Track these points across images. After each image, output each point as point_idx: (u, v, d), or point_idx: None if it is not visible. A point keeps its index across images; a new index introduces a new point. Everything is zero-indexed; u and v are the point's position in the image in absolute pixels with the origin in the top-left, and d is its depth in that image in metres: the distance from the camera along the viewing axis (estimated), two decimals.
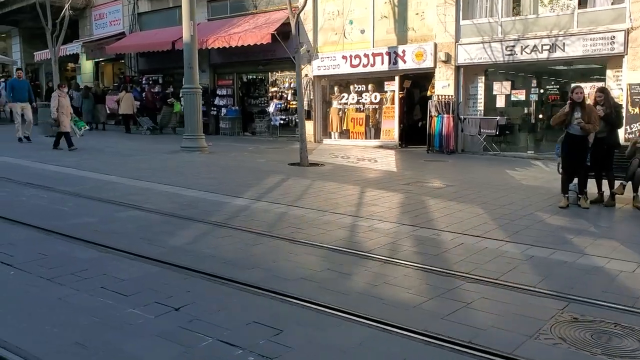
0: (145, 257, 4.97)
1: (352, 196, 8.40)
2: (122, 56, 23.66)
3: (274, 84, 18.66)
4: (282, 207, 7.46)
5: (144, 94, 21.10)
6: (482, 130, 14.31)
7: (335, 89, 17.43)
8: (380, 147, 16.13)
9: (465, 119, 14.61)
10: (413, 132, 16.49)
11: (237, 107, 19.84)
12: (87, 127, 15.96)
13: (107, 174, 9.97)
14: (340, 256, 5.27)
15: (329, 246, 5.55)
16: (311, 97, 17.38)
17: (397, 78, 15.95)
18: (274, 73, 18.84)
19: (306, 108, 17.39)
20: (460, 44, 14.50)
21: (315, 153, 14.68)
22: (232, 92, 20.06)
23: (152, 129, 20.33)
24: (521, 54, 13.52)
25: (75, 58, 25.85)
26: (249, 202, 7.77)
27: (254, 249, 5.46)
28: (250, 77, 20.53)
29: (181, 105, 21.09)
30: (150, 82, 22.30)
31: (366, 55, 16.03)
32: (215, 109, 20.24)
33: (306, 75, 17.40)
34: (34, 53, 24.99)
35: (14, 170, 10.32)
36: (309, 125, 17.64)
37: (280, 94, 18.45)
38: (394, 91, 16.14)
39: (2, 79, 22.90)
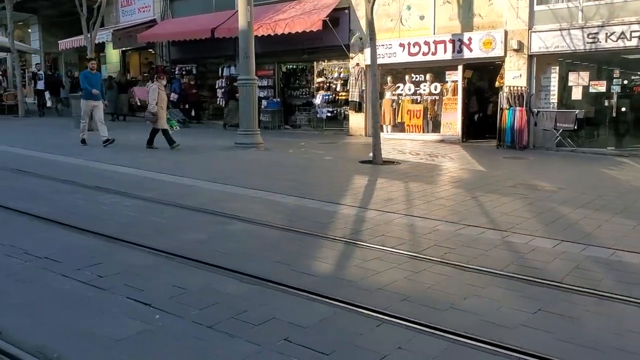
0: (320, 295, 3.99)
1: (467, 202, 7.42)
2: (151, 45, 22.63)
3: (320, 73, 17.61)
4: (400, 217, 6.49)
5: (182, 86, 20.09)
6: (558, 124, 13.29)
7: (389, 79, 16.38)
8: (441, 141, 15.13)
9: (539, 112, 13.58)
10: (470, 125, 15.52)
11: (278, 99, 18.81)
12: (178, 127, 14.75)
13: (178, 175, 9.02)
14: (536, 289, 4.29)
15: (508, 274, 4.59)
16: (363, 88, 16.35)
17: (460, 67, 14.91)
18: (320, 62, 17.79)
19: (357, 99, 16.44)
20: (534, 31, 13.44)
21: (369, 148, 13.67)
22: (273, 83, 19.02)
23: (183, 122, 19.32)
24: (606, 41, 12.45)
25: (100, 47, 24.84)
26: (355, 211, 6.81)
27: (422, 277, 4.49)
28: (291, 67, 19.50)
29: (219, 98, 20.20)
30: (184, 73, 21.31)
31: (427, 43, 14.98)
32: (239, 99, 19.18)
33: (357, 64, 16.41)
34: (59, 42, 23.96)
35: (75, 171, 9.37)
36: (359, 118, 16.69)
37: (327, 84, 17.41)
38: (455, 81, 15.11)
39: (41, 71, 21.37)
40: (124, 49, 24.54)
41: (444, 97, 15.42)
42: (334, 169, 10.20)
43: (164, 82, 13.54)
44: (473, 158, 12.07)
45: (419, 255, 5.01)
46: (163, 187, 8.10)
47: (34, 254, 4.80)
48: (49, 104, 19.40)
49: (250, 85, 12.89)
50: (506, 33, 13.77)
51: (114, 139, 12.77)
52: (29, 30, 31.50)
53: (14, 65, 34.99)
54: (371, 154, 11.15)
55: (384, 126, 16.60)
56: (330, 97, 17.29)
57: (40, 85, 21.04)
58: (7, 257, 4.70)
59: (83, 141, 12.97)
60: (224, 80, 19.98)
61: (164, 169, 9.62)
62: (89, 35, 17.24)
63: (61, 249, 4.97)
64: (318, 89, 17.59)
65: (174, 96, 19.67)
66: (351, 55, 16.50)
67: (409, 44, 15.32)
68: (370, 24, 11.28)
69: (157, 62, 23.02)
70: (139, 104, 22.64)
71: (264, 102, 18.87)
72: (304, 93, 18.75)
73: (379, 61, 16.07)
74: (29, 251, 4.86)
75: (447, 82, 15.31)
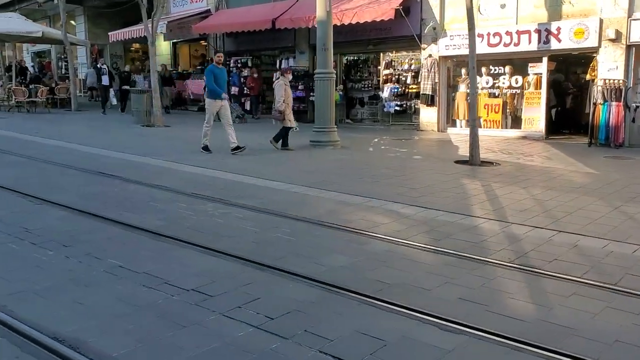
0: (545, 350, 3.22)
1: (613, 214, 6.54)
2: (203, 37, 22.03)
3: (388, 65, 16.74)
4: (554, 233, 5.68)
5: (245, 79, 19.50)
6: None
7: (463, 71, 15.44)
8: (523, 138, 14.18)
9: (637, 107, 12.54)
10: (549, 121, 14.54)
11: (341, 92, 18.00)
12: (237, 121, 14.10)
13: (265, 179, 8.33)
14: None
15: None
16: (436, 81, 15.46)
17: (545, 59, 13.91)
18: (387, 54, 16.92)
19: (429, 92, 15.57)
20: (634, 19, 12.37)
21: (451, 145, 12.86)
22: (336, 76, 18.18)
23: (241, 117, 18.66)
24: None
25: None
26: (497, 225, 6.02)
27: None
28: (352, 58, 18.69)
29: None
30: (239, 65, 20.66)
31: (508, 33, 14.01)
32: (314, 94, 18.43)
33: (430, 55, 15.52)
34: (109, 33, 23.47)
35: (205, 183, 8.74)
36: (431, 112, 15.83)
37: (396, 77, 16.54)
38: (538, 74, 14.12)
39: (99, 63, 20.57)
40: (174, 40, 24.02)
41: (525, 91, 14.45)
42: (432, 171, 9.39)
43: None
44: (572, 157, 11.12)
45: (623, 290, 4.20)
46: (261, 193, 7.40)
47: (177, 284, 4.14)
48: (114, 101, 18.40)
49: (327, 79, 12.15)
50: (601, 21, 12.72)
51: (244, 146, 10.96)
52: (72, 22, 31.18)
53: (57, 57, 35.13)
54: (466, 153, 10.32)
55: (457, 121, 15.75)
56: (400, 90, 16.42)
57: (105, 80, 19.95)
58: (149, 290, 4.04)
59: (206, 148, 10.97)
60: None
61: (265, 174, 8.93)
62: (149, 26, 16.57)
63: (204, 277, 4.29)
64: (386, 82, 16.74)
65: (234, 89, 19.05)
66: (423, 46, 15.61)
67: (488, 34, 14.36)
68: (469, 12, 10.38)
69: (210, 54, 22.41)
70: (191, 97, 22.16)
71: None
72: (366, 86, 17.95)
73: (454, 52, 15.24)
74: (171, 281, 4.19)
75: (529, 74, 14.33)
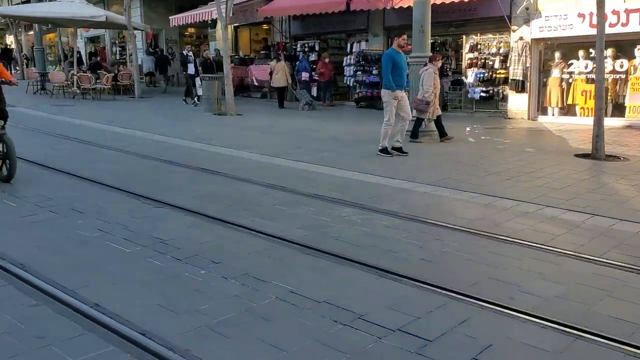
0: None
1: None
2: (267, 20, 21.31)
3: (473, 48, 15.69)
4: None
5: (313, 64, 18.76)
6: None
7: (556, 54, 14.33)
8: (627, 127, 13.03)
9: None
10: None
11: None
12: (306, 109, 13.23)
13: (409, 181, 7.56)
14: None
15: None
16: (527, 65, 14.38)
17: None
18: (472, 36, 15.87)
19: (519, 78, 14.51)
20: None
21: (553, 136, 11.86)
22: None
23: (310, 104, 17.91)
24: None
25: (203, 24, 23.78)
26: None
27: None
28: (430, 41, 17.64)
29: (347, 77, 18.67)
30: (306, 50, 19.88)
31: (615, 12, 12.81)
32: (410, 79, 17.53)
33: (521, 38, 14.44)
34: (170, 17, 22.97)
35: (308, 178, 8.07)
36: (521, 99, 14.79)
37: (482, 61, 15.50)
38: None
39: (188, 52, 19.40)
40: (236, 24, 23.37)
41: (630, 76, 13.26)
42: (558, 167, 8.46)
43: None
44: None
45: None
46: (389, 194, 6.65)
47: (372, 318, 3.42)
48: (199, 92, 17.02)
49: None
50: None
51: (407, 152, 9.40)
52: (131, 6, 30.83)
53: (111, 43, 34.98)
54: (578, 145, 9.36)
55: (549, 109, 14.66)
56: (485, 75, 15.38)
57: (191, 69, 18.37)
58: (346, 329, 3.33)
59: (384, 150, 9.30)
60: (353, 57, 18.42)
61: (402, 174, 8.19)
62: (222, 8, 15.90)
63: (400, 309, 3.56)
64: (470, 66, 15.71)
65: (305, 75, 18.30)
66: (513, 27, 14.53)
67: (590, 14, 13.17)
68: None
69: (274, 38, 21.72)
70: (256, 83, 21.53)
71: None
72: (446, 71, 16.93)
73: (550, 34, 14.11)
74: (364, 315, 3.47)
75: (635, 57, 13.13)
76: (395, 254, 4.65)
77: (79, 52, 30.31)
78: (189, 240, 4.92)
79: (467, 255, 4.62)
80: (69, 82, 20.23)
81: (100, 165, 8.26)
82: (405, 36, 9.78)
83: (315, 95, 19.04)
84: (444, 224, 5.45)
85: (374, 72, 17.51)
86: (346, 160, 8.83)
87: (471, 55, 15.71)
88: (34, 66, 37.55)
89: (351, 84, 18.65)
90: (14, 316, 3.44)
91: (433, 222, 5.53)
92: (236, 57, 22.89)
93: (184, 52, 19.49)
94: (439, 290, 3.88)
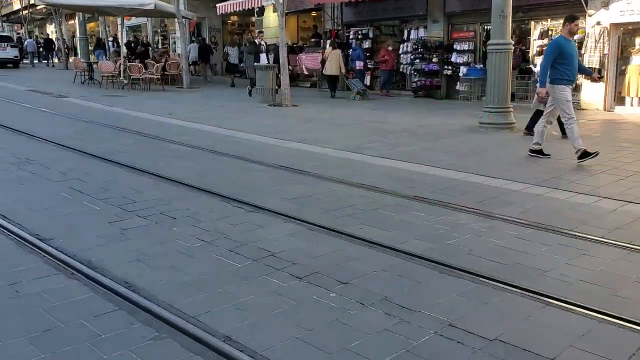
0: None
1: None
2: (318, 7, 20.67)
3: (543, 35, 14.79)
4: None
5: (367, 52, 18.08)
6: None
7: (637, 40, 13.36)
8: None
9: None
10: None
11: (480, 65, 16.25)
12: (357, 99, 12.47)
13: (515, 181, 6.89)
14: None
15: None
16: (605, 52, 13.46)
17: None
18: (542, 22, 14.98)
19: (596, 66, 13.58)
20: None
21: (636, 129, 11.01)
22: (474, 47, 16.45)
23: (362, 93, 17.25)
24: None
25: (257, 10, 23.27)
26: None
27: None
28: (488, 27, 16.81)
29: (404, 65, 17.91)
30: (359, 37, 19.19)
31: None
32: (450, 67, 16.79)
33: (598, 22, 13.52)
34: (217, 5, 22.54)
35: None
36: (597, 89, 13.88)
37: None
38: None
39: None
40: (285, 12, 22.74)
41: None
42: None
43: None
44: None
45: None
46: (501, 196, 5.98)
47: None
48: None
49: (505, 52, 10.52)
50: None
51: (596, 152, 7.68)
52: None
53: (153, 32, 34.77)
54: None
55: (627, 98, 13.73)
56: None
57: (263, 58, 17.22)
58: None
59: (539, 151, 8.17)
60: (410, 45, 17.67)
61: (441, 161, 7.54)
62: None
63: (595, 348, 2.93)
64: (540, 54, 14.78)
65: (359, 64, 17.63)
66: (590, 11, 13.62)
67: None
68: None
69: (324, 26, 21.07)
70: (305, 72, 20.94)
71: (463, 69, 16.45)
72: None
73: (628, 19, 13.16)
74: None
75: None
76: (546, 274, 4.01)
77: (116, 41, 30.18)
78: (300, 252, 4.37)
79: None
80: (118, 72, 19.92)
81: (174, 162, 7.78)
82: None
83: (367, 84, 18.37)
84: (584, 235, 4.78)
85: (434, 60, 16.76)
86: (435, 157, 8.18)
87: (541, 42, 14.81)
88: (75, 55, 37.75)
89: (408, 73, 17.94)
90: (139, 353, 2.93)
91: (570, 232, 4.87)
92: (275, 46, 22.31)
93: (256, 40, 18.57)
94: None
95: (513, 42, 11.19)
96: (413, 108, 14.98)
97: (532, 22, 15.19)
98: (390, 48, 17.34)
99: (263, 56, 17.33)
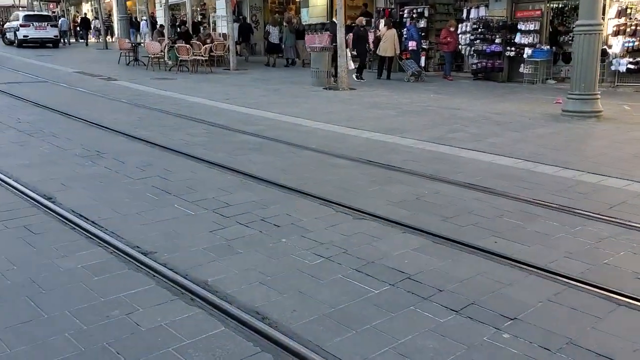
0: None
1: None
2: None
3: (621, 13, 13.82)
4: None
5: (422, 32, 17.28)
6: None
7: None
8: None
9: None
10: None
11: (547, 47, 15.34)
12: (412, 80, 11.83)
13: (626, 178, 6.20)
14: None
15: None
16: None
17: None
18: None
19: None
20: None
21: None
22: (540, 27, 15.50)
23: (417, 75, 16.48)
24: None
25: None
26: None
27: None
28: (558, 5, 15.90)
29: (463, 46, 17.04)
30: (414, 16, 18.36)
31: None
32: (514, 49, 15.90)
33: None
34: None
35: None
36: None
37: (632, 27, 13.63)
38: None
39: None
40: None
41: None
42: None
43: None
44: None
45: None
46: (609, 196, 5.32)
47: None
48: (351, 65, 15.24)
49: (594, 34, 9.67)
50: None
51: None
52: None
53: (192, 11, 34.27)
54: None
55: None
56: (635, 44, 13.53)
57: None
58: None
59: None
60: (469, 24, 16.80)
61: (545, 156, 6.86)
62: None
63: None
64: (616, 34, 13.87)
65: (412, 44, 16.84)
66: None
67: None
68: None
69: (375, 4, 20.24)
70: (354, 52, 20.16)
71: (527, 50, 15.55)
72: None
73: None
74: None
75: None
76: None
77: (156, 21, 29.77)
78: (440, 275, 3.81)
79: None
80: (164, 53, 19.48)
81: (252, 156, 7.25)
82: None
83: (423, 65, 17.58)
84: None
85: (497, 40, 15.89)
86: (532, 150, 7.51)
87: (617, 21, 13.83)
88: (110, 35, 37.48)
89: (467, 54, 17.10)
90: None
91: None
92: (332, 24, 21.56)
93: (356, 23, 16.92)
94: None
95: (603, 23, 10.33)
96: (478, 92, 14.19)
97: (608, 0, 14.17)
98: (452, 29, 16.46)
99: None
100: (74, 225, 4.61)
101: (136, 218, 4.86)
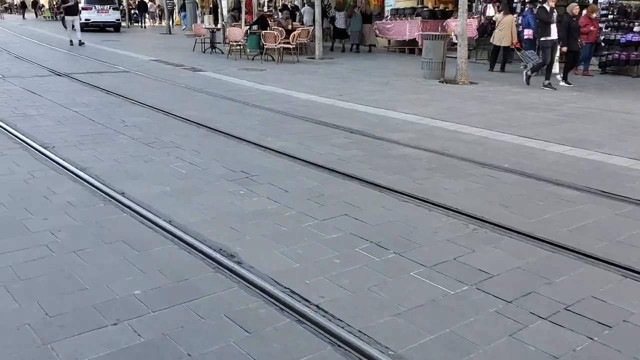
0: None
1: None
2: None
3: None
4: None
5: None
6: None
7: None
8: None
9: None
10: None
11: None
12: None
13: None
14: None
15: None
16: None
17: None
18: None
19: None
20: None
21: None
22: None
23: (538, 68, 14.30)
24: None
25: None
26: None
27: None
28: None
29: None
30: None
31: None
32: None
33: None
34: None
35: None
36: None
37: None
38: None
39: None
40: None
41: None
42: None
43: None
44: None
45: None
46: None
47: None
48: (537, 59, 12.25)
49: None
50: None
51: None
52: None
53: None
54: None
55: None
56: None
57: (554, 32, 12.25)
58: None
59: None
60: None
61: None
62: None
63: None
64: None
65: (527, 32, 14.81)
66: None
67: None
68: None
69: None
70: (455, 40, 18.27)
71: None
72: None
73: None
74: None
75: None
76: None
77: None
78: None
79: None
80: (243, 40, 17.94)
81: (442, 182, 5.60)
82: None
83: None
84: None
85: (636, 29, 13.77)
86: None
87: None
88: (161, 19, 36.22)
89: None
90: None
91: None
92: (425, 9, 19.75)
93: (545, 4, 12.55)
94: None
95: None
96: (627, 90, 12.19)
97: None
98: (594, 15, 14.34)
99: (554, 27, 12.40)
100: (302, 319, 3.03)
101: (374, 302, 3.25)
